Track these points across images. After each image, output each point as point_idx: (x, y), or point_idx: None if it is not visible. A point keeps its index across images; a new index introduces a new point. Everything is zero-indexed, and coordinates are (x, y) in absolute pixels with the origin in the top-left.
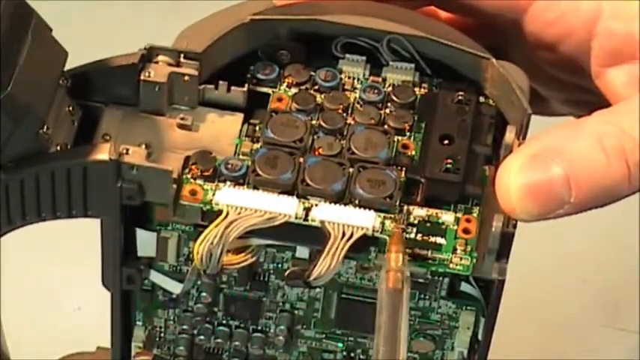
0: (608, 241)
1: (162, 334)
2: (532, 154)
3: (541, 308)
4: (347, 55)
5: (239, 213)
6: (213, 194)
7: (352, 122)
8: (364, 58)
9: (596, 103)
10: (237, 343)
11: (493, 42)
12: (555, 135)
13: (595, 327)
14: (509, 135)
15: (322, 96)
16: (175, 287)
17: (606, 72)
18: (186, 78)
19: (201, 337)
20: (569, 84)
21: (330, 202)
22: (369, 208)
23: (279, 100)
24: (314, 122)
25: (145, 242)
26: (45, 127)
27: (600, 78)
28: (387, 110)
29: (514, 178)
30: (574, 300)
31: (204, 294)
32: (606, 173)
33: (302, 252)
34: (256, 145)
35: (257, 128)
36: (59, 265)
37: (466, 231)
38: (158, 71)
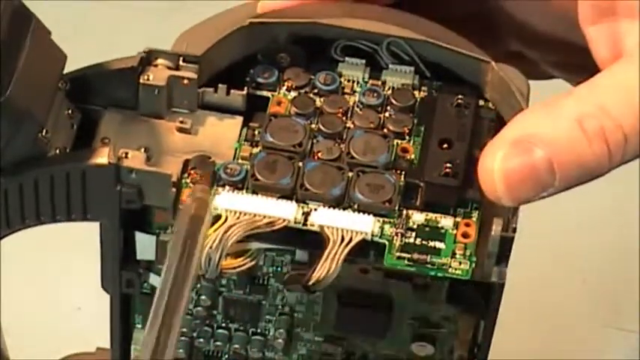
0: (608, 241)
1: None
2: (514, 140)
3: (541, 308)
4: (346, 59)
5: (238, 217)
6: (212, 199)
7: (351, 126)
8: (364, 61)
9: (587, 66)
10: (236, 346)
11: (479, 7)
12: (536, 118)
13: (595, 327)
14: None
15: (322, 99)
16: None
17: (588, 30)
18: (186, 81)
19: (201, 340)
20: (559, 44)
21: (329, 207)
22: (368, 213)
23: (279, 103)
24: (313, 126)
25: (145, 245)
26: (44, 130)
27: (586, 37)
28: (387, 114)
29: (497, 165)
30: (574, 300)
31: (203, 297)
32: (588, 155)
33: (301, 256)
34: (255, 150)
35: (256, 132)
36: (59, 266)
37: (465, 235)
38: (157, 74)
